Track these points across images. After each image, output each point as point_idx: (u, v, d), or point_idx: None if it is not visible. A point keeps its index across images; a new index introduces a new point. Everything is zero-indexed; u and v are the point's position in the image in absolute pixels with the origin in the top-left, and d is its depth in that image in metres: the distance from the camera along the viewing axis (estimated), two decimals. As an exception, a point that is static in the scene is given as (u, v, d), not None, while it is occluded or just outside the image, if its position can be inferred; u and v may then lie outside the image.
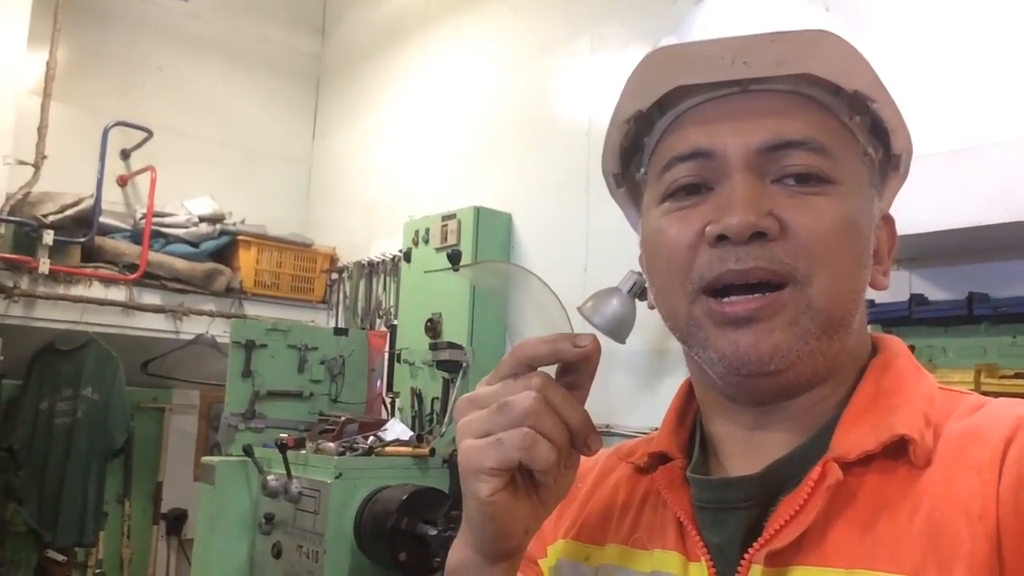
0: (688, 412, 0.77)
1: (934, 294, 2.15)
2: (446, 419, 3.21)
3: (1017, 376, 1.87)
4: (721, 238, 0.63)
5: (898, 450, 0.62)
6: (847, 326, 0.66)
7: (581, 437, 0.62)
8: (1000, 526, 0.56)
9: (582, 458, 0.77)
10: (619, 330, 2.69)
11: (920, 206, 1.77)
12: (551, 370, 0.65)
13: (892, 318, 2.06)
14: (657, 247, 0.69)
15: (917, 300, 2.11)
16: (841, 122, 0.68)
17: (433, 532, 2.57)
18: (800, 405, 0.67)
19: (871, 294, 0.70)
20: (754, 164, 0.65)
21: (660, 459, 0.74)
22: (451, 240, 3.55)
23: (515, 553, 0.67)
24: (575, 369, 0.65)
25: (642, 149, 0.75)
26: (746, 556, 0.63)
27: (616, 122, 0.73)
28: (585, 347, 0.63)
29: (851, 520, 0.61)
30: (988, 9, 1.87)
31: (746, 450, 0.69)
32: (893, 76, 0.67)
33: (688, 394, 0.78)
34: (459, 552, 0.69)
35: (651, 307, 0.74)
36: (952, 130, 1.84)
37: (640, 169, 0.75)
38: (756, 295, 0.63)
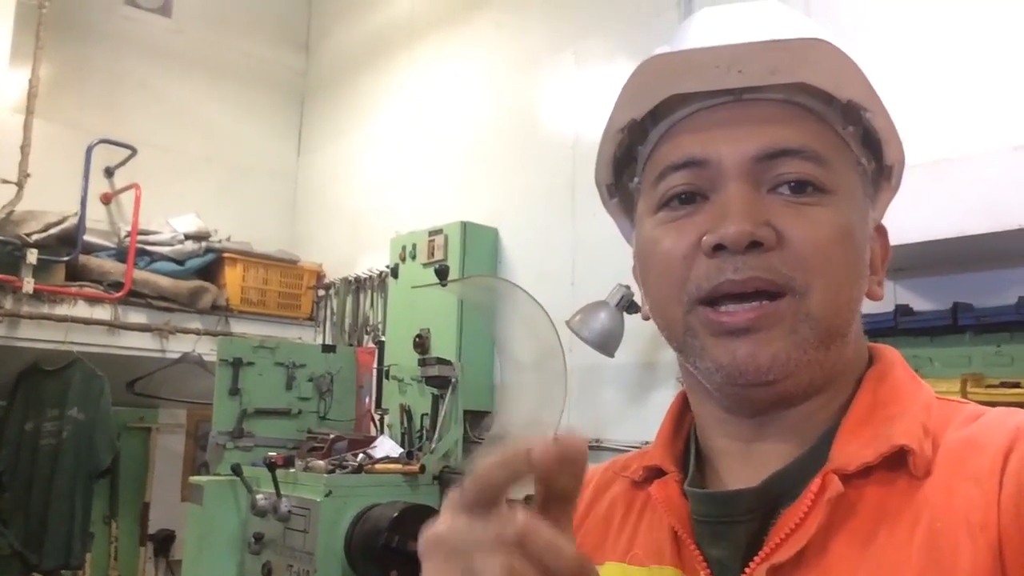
0: (683, 424, 0.77)
1: (919, 304, 2.16)
2: (436, 436, 3.20)
3: (1003, 385, 1.88)
4: (718, 248, 0.63)
5: (897, 461, 0.61)
6: (844, 336, 0.66)
7: None
8: (1001, 536, 0.55)
9: None
10: (608, 343, 2.70)
11: (905, 216, 1.77)
12: None
13: (878, 328, 2.07)
14: (652, 257, 0.69)
15: (902, 310, 2.12)
16: (835, 131, 0.68)
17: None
18: (797, 415, 0.66)
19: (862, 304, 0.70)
20: (749, 173, 0.65)
21: (655, 473, 0.73)
22: (438, 255, 3.55)
23: None
24: (558, 478, 0.49)
25: (635, 159, 0.74)
26: (747, 570, 0.62)
27: (610, 132, 0.73)
28: (538, 460, 0.47)
29: (852, 533, 0.60)
30: (973, 20, 1.89)
31: (743, 462, 0.68)
32: (878, 87, 0.68)
33: (683, 406, 0.77)
34: None
35: (645, 318, 0.74)
36: (937, 140, 1.86)
37: (634, 179, 0.75)
38: (753, 304, 0.63)
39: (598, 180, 0.78)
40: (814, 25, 0.70)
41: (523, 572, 0.46)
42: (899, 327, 2.10)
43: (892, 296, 2.19)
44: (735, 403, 0.68)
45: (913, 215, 1.80)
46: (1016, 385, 1.87)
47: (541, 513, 0.49)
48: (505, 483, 0.48)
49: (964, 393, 1.86)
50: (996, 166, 1.79)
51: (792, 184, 0.65)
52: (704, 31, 0.68)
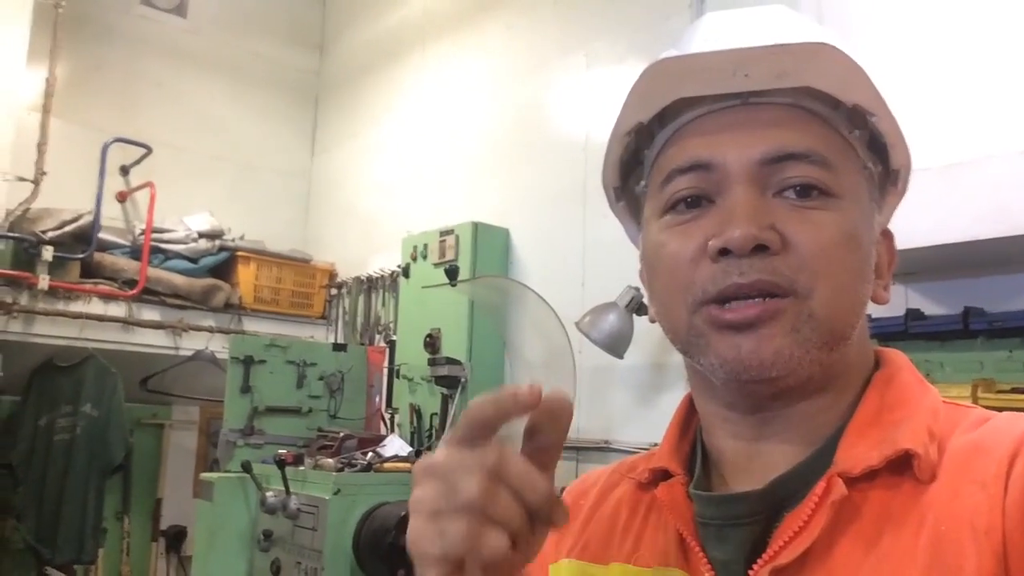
0: (689, 426, 0.77)
1: (930, 309, 2.15)
2: (445, 435, 3.21)
3: (1014, 390, 1.87)
4: (724, 252, 0.63)
5: (902, 464, 0.61)
6: (847, 339, 0.66)
7: (543, 515, 0.55)
8: (1006, 541, 0.55)
9: (583, 476, 0.76)
10: (617, 345, 2.70)
11: (915, 220, 1.76)
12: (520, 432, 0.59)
13: (888, 333, 2.05)
14: (658, 261, 0.69)
15: (913, 315, 2.11)
16: (841, 136, 0.68)
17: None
18: (800, 415, 0.67)
19: (868, 308, 0.70)
20: (755, 176, 0.65)
21: (662, 475, 0.74)
22: (449, 255, 3.55)
23: None
24: (540, 430, 0.58)
25: (642, 162, 0.75)
26: (751, 572, 0.63)
27: (617, 135, 0.73)
28: (523, 400, 0.55)
29: (856, 536, 0.60)
30: (981, 23, 1.87)
31: (748, 464, 0.69)
32: (887, 90, 0.68)
33: (689, 408, 0.77)
34: None
35: (652, 321, 0.74)
36: (947, 144, 1.84)
37: (640, 182, 0.75)
38: (757, 300, 0.63)
39: (605, 183, 0.79)
40: (821, 29, 0.69)
41: (497, 494, 0.53)
42: (910, 331, 2.08)
43: (903, 300, 2.18)
44: (738, 399, 0.68)
45: (924, 219, 1.79)
46: (1027, 390, 1.85)
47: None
48: (493, 419, 0.55)
49: (975, 398, 1.85)
50: (1007, 170, 1.78)
51: (798, 188, 0.65)
52: (711, 35, 0.68)
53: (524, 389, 0.55)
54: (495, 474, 0.54)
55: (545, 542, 0.64)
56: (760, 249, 0.63)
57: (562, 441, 0.58)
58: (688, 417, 0.77)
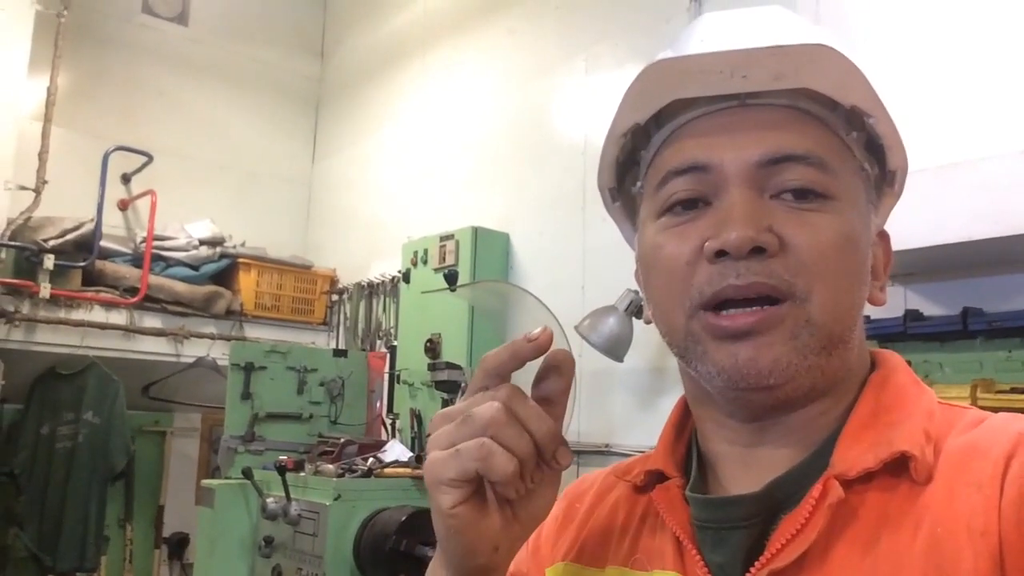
0: (684, 429, 0.76)
1: (929, 309, 2.14)
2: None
3: (1014, 390, 1.86)
4: (720, 254, 0.63)
5: (899, 466, 0.61)
6: (846, 342, 0.65)
7: (548, 451, 0.60)
8: (1003, 543, 0.55)
9: (579, 479, 0.76)
10: (616, 348, 2.70)
11: (913, 221, 1.77)
12: (528, 381, 0.63)
13: (887, 334, 2.05)
14: (655, 263, 0.68)
15: (912, 316, 2.11)
16: (839, 137, 0.67)
17: (432, 554, 2.55)
18: (798, 420, 0.66)
19: (866, 310, 0.69)
20: (752, 178, 0.65)
21: (657, 477, 0.73)
22: (449, 260, 3.56)
23: (485, 572, 0.64)
24: (547, 379, 0.62)
25: (638, 163, 0.74)
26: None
27: (613, 136, 0.73)
28: (536, 340, 0.60)
29: (853, 539, 0.60)
30: (977, 24, 1.87)
31: (744, 468, 0.68)
32: (883, 91, 0.67)
33: (684, 411, 0.77)
34: (432, 571, 0.69)
35: (647, 322, 0.74)
36: (945, 145, 1.84)
37: (636, 183, 0.74)
38: (755, 308, 0.63)
39: (601, 184, 0.78)
40: (818, 30, 0.69)
41: (507, 422, 0.58)
42: (909, 332, 2.08)
43: (902, 301, 2.18)
44: (736, 407, 0.67)
45: (922, 220, 1.79)
46: (1027, 391, 1.85)
47: None
48: (507, 363, 0.61)
49: (974, 398, 1.84)
50: (1005, 170, 1.78)
51: (795, 190, 0.64)
52: (708, 36, 0.68)
53: (536, 332, 0.60)
54: (506, 409, 0.59)
55: (543, 542, 0.66)
56: (757, 251, 0.62)
57: (567, 393, 0.63)
58: (683, 419, 0.77)
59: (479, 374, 0.62)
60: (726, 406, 0.68)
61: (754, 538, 0.64)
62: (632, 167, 0.76)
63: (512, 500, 0.62)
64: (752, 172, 0.65)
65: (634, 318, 2.68)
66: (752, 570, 0.62)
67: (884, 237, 0.74)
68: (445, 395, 3.29)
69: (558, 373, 0.62)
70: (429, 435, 0.63)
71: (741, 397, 0.65)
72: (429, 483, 0.61)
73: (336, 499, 2.75)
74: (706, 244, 0.64)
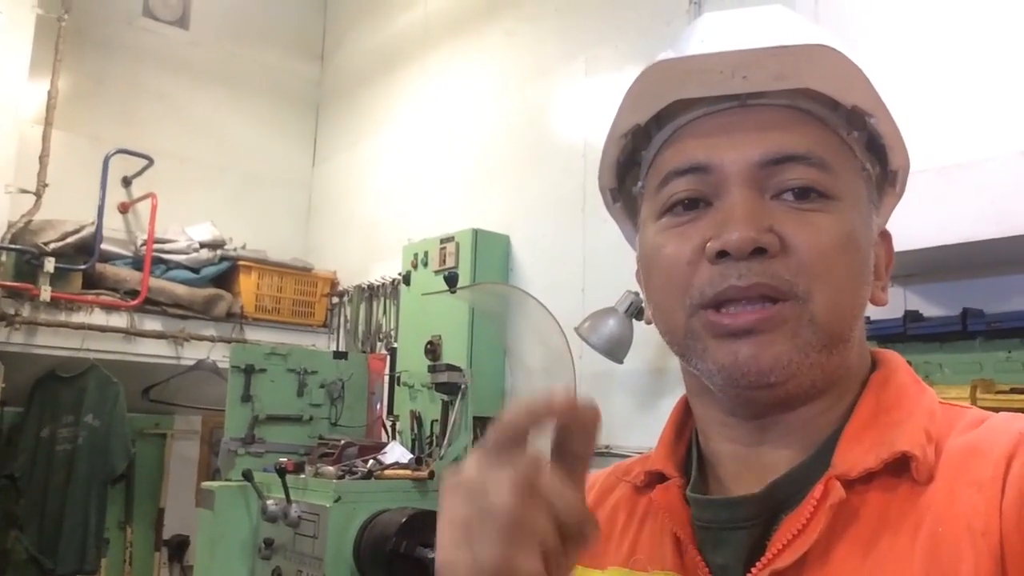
0: (685, 429, 0.76)
1: (929, 310, 2.14)
2: (446, 442, 3.21)
3: (1013, 391, 1.86)
4: (722, 254, 0.63)
5: (900, 466, 0.61)
6: (847, 341, 0.65)
7: (575, 531, 0.54)
8: (1003, 542, 0.55)
9: None
10: (616, 350, 2.70)
11: (914, 222, 1.77)
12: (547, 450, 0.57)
13: (887, 334, 2.05)
14: (655, 263, 0.68)
15: (912, 316, 2.11)
16: (840, 137, 0.67)
17: (432, 555, 2.55)
18: (799, 419, 0.66)
19: (866, 310, 0.69)
20: (753, 179, 0.64)
21: (657, 478, 0.73)
22: (450, 263, 3.56)
23: None
24: (570, 439, 0.56)
25: (639, 164, 0.74)
26: None
27: (613, 136, 0.73)
28: (559, 404, 0.54)
29: (854, 539, 0.60)
30: (981, 26, 1.87)
31: (746, 468, 0.68)
32: (884, 92, 0.67)
33: (685, 411, 0.77)
34: None
35: (648, 322, 0.74)
36: (946, 146, 1.84)
37: (637, 183, 0.74)
38: (757, 307, 0.63)
39: (601, 184, 0.78)
40: (819, 30, 0.69)
41: (529, 510, 0.52)
42: (908, 333, 2.08)
43: (901, 302, 2.18)
44: (736, 405, 0.67)
45: (922, 221, 1.79)
46: (1027, 391, 1.85)
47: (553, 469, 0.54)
48: (527, 425, 0.54)
49: (974, 399, 1.84)
50: (1005, 171, 1.77)
51: (796, 190, 0.64)
52: (708, 36, 0.67)
53: (559, 393, 0.54)
54: (527, 489, 0.52)
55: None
56: (758, 252, 0.62)
57: (592, 451, 0.57)
58: (683, 419, 0.77)
59: (495, 435, 0.55)
60: (727, 404, 0.68)
61: (755, 539, 0.64)
62: (633, 168, 0.76)
63: None
64: (753, 172, 0.65)
65: (634, 320, 2.68)
66: (753, 571, 0.62)
67: (886, 237, 0.74)
68: (445, 397, 3.29)
69: (584, 433, 0.56)
70: (441, 501, 0.57)
71: (742, 395, 0.65)
72: (441, 574, 0.56)
73: (336, 501, 2.74)
74: (708, 245, 0.64)
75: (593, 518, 0.55)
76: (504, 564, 0.51)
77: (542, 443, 0.56)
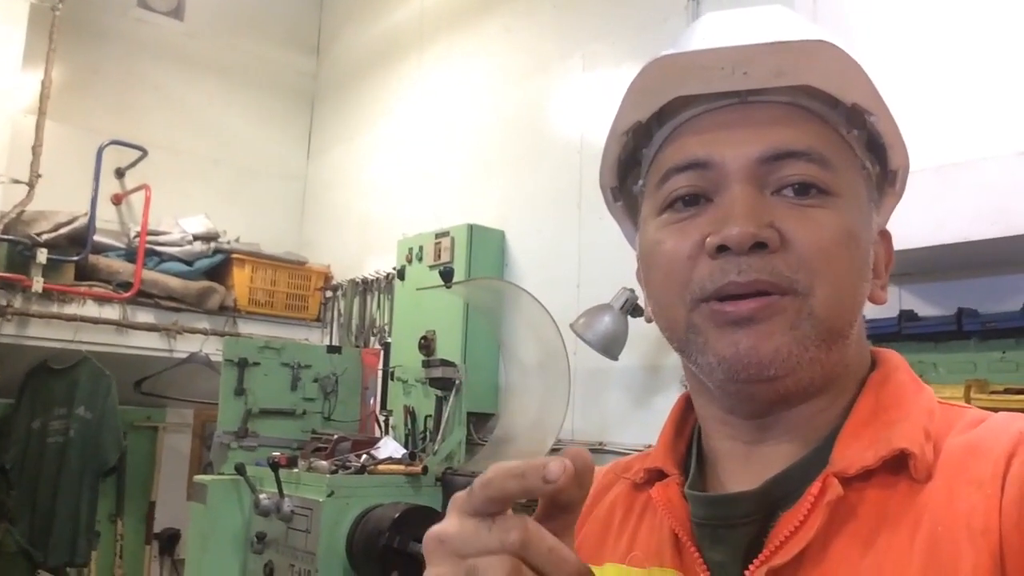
0: (685, 426, 0.77)
1: (924, 310, 2.15)
2: (439, 437, 3.21)
3: (1008, 391, 1.87)
4: (721, 249, 0.63)
5: (898, 464, 0.61)
6: (846, 337, 0.66)
7: None
8: (1003, 541, 0.55)
9: None
10: (611, 346, 2.70)
11: (910, 221, 1.77)
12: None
13: (882, 334, 2.06)
14: (655, 259, 0.68)
15: (907, 316, 2.11)
16: (840, 135, 0.68)
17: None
18: (798, 416, 0.66)
19: (864, 308, 0.70)
20: (753, 175, 0.65)
21: (657, 475, 0.73)
22: (444, 257, 3.55)
23: None
24: (564, 497, 0.51)
25: (640, 162, 0.74)
26: (746, 573, 0.62)
27: (614, 134, 0.73)
28: (555, 482, 0.48)
29: (852, 536, 0.60)
30: (980, 25, 1.88)
31: (745, 465, 0.68)
32: (884, 90, 0.67)
33: (685, 408, 0.77)
34: None
35: (648, 320, 0.74)
36: (943, 145, 1.84)
37: (638, 181, 0.75)
38: (757, 297, 0.63)
39: (602, 183, 0.78)
40: (820, 29, 0.69)
41: None
42: (903, 332, 2.09)
43: (897, 301, 2.18)
44: (737, 402, 0.67)
45: (918, 220, 1.80)
46: (1021, 391, 1.85)
47: (544, 520, 0.50)
48: (516, 495, 0.49)
49: (968, 399, 1.85)
50: (1002, 171, 1.78)
51: (796, 186, 0.65)
52: (710, 33, 0.68)
53: (554, 470, 0.48)
54: (520, 556, 0.48)
55: None
56: (759, 247, 0.62)
57: (584, 499, 0.53)
58: (684, 417, 0.77)
59: (481, 497, 0.49)
60: (726, 401, 0.68)
61: (753, 535, 0.64)
62: (634, 166, 0.76)
63: None
64: (753, 168, 0.65)
65: (629, 316, 2.68)
66: (751, 567, 0.62)
67: (886, 236, 0.74)
68: (439, 392, 3.28)
69: (578, 485, 0.51)
70: (425, 557, 0.51)
71: (742, 391, 0.65)
72: None
73: (329, 495, 2.74)
74: (708, 240, 0.64)
75: (589, 571, 0.50)
76: None
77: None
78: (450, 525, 0.50)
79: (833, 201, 0.65)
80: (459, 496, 0.51)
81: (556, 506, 0.51)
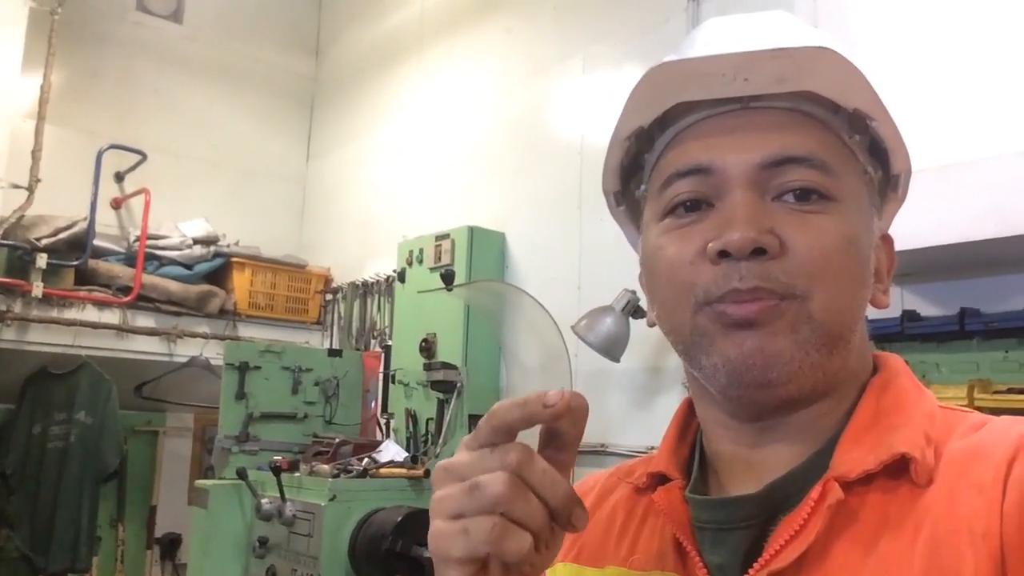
0: (688, 430, 0.77)
1: (926, 310, 2.15)
2: (441, 440, 3.20)
3: (1011, 391, 1.87)
4: (723, 254, 0.63)
5: (899, 469, 0.61)
6: (847, 342, 0.66)
7: (564, 516, 0.56)
8: (1004, 545, 0.55)
9: (581, 480, 0.75)
10: (613, 348, 2.70)
11: (912, 221, 1.76)
12: (534, 434, 0.60)
13: (884, 334, 2.06)
14: (658, 264, 0.69)
15: (909, 316, 2.11)
16: (841, 140, 0.68)
17: (428, 554, 2.55)
18: (800, 420, 0.66)
19: (866, 312, 0.70)
20: (755, 180, 0.65)
21: (659, 479, 0.73)
22: (445, 260, 3.55)
23: None
24: (559, 433, 0.58)
25: (642, 166, 0.75)
26: None
27: (617, 139, 0.73)
28: (553, 406, 0.55)
29: (852, 540, 0.60)
30: (979, 26, 1.88)
31: (746, 468, 0.68)
32: (883, 92, 0.68)
33: (688, 412, 0.77)
34: None
35: (651, 325, 0.74)
36: (943, 145, 1.85)
37: (640, 186, 0.75)
38: (759, 301, 0.63)
39: (605, 188, 0.79)
40: (821, 35, 0.69)
41: (520, 493, 0.54)
42: (906, 332, 2.09)
43: (899, 301, 2.18)
44: (739, 407, 0.67)
45: (920, 220, 1.80)
46: (1024, 391, 1.85)
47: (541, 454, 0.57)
48: (518, 424, 0.56)
49: (971, 399, 1.85)
50: (1003, 171, 1.78)
51: (797, 192, 0.65)
52: (712, 40, 0.68)
53: (553, 396, 0.56)
54: (517, 474, 0.54)
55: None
56: (759, 253, 0.62)
57: (579, 438, 0.59)
58: (687, 421, 0.77)
59: (485, 429, 0.57)
60: (728, 405, 0.68)
61: (753, 539, 0.64)
62: (636, 171, 0.76)
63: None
64: (754, 174, 0.65)
65: (631, 318, 2.68)
66: (751, 571, 0.62)
67: (887, 240, 0.74)
68: (441, 395, 3.28)
69: (572, 424, 0.58)
70: (432, 488, 0.59)
71: (744, 396, 0.65)
72: (434, 555, 0.58)
73: (331, 499, 2.74)
74: (709, 245, 0.64)
75: (581, 503, 0.57)
76: (496, 542, 0.53)
77: (529, 431, 0.59)
78: (456, 457, 0.58)
79: (834, 207, 0.65)
80: (466, 436, 0.59)
81: (552, 441, 0.58)
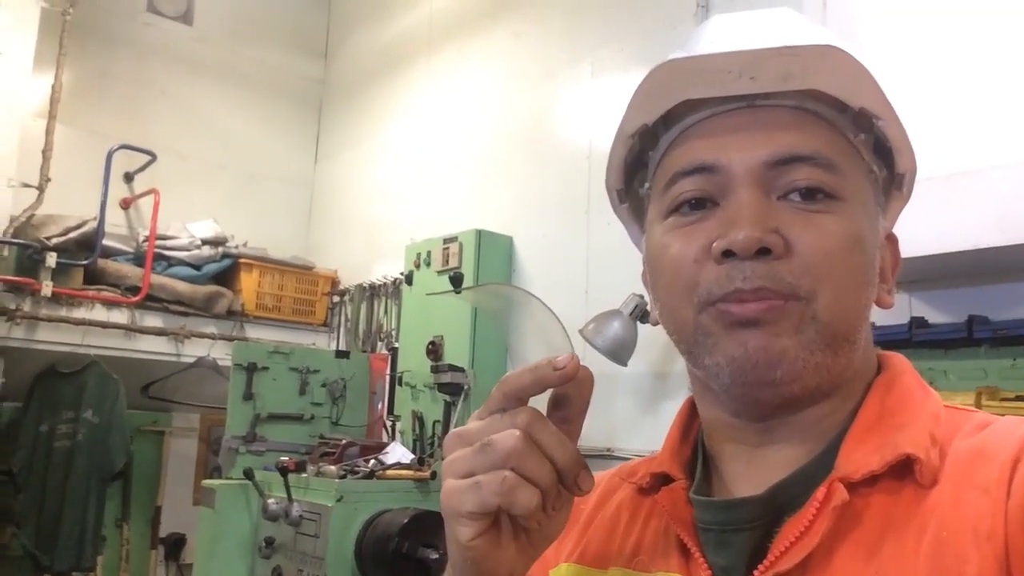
0: (691, 430, 0.76)
1: (934, 317, 2.15)
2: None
3: (1018, 399, 1.87)
4: (727, 254, 0.63)
5: (904, 469, 0.61)
6: (852, 342, 0.65)
7: (571, 477, 0.58)
8: (1009, 546, 0.55)
9: None
10: (621, 352, 2.69)
11: (920, 229, 1.78)
12: (543, 401, 0.62)
13: (892, 341, 2.05)
14: (661, 263, 0.68)
15: (917, 323, 2.11)
16: (847, 139, 0.67)
17: (434, 556, 2.56)
18: (804, 421, 0.66)
19: (872, 316, 0.69)
20: (760, 179, 0.64)
21: (662, 479, 0.73)
22: (452, 263, 3.56)
23: None
24: (566, 401, 0.61)
25: (646, 164, 0.74)
26: None
27: (621, 136, 0.73)
28: (563, 368, 0.58)
29: (857, 542, 0.60)
30: (988, 33, 1.88)
31: (750, 469, 0.68)
32: (892, 96, 0.67)
33: (691, 412, 0.77)
34: None
35: (654, 324, 0.73)
36: (952, 153, 1.85)
37: (644, 184, 0.74)
38: (763, 301, 0.63)
39: (608, 185, 0.78)
40: (828, 33, 0.69)
41: (529, 452, 0.57)
42: (914, 339, 2.09)
43: (907, 308, 2.18)
44: (742, 406, 0.67)
45: (928, 227, 1.80)
46: (1032, 399, 1.85)
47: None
48: (529, 388, 0.59)
49: (979, 406, 1.84)
50: (1012, 179, 1.78)
51: (803, 191, 0.64)
52: (717, 37, 0.68)
53: (562, 360, 0.58)
54: (528, 432, 0.57)
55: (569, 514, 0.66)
56: (763, 252, 0.62)
57: (585, 412, 0.62)
58: (689, 421, 0.77)
59: (497, 395, 0.60)
60: (731, 404, 0.68)
61: (758, 540, 0.64)
62: (640, 169, 0.76)
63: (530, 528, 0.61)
64: (760, 172, 0.65)
65: (639, 322, 2.68)
66: (756, 573, 0.62)
67: (892, 240, 0.74)
68: (447, 397, 3.28)
69: (579, 391, 0.61)
70: (444, 457, 0.61)
71: (748, 394, 0.65)
72: (446, 513, 0.60)
73: (338, 500, 2.74)
74: (713, 244, 0.64)
75: (587, 467, 0.59)
76: (506, 494, 0.56)
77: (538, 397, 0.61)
78: (469, 424, 0.61)
79: (840, 206, 0.64)
80: (477, 410, 0.62)
81: (560, 406, 0.61)
